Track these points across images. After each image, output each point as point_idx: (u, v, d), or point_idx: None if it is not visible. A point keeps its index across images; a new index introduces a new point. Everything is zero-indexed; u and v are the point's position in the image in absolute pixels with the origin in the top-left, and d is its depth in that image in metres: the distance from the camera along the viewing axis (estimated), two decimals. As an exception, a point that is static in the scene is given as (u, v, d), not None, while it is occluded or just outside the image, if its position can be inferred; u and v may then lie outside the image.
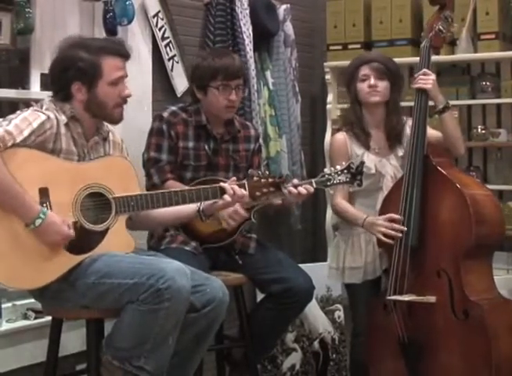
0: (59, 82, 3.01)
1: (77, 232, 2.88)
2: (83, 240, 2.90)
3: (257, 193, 3.14)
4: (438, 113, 3.55)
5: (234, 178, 3.22)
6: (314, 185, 3.27)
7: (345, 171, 3.28)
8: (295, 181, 3.28)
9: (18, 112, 2.91)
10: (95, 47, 2.99)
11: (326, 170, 3.31)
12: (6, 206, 2.77)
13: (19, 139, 2.79)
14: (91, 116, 3.01)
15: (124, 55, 3.05)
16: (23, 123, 2.82)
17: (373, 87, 3.58)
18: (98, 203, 2.95)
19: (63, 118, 2.95)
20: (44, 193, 2.83)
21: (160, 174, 3.49)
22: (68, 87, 2.98)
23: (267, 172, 3.19)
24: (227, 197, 3.09)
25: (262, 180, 3.15)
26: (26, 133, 2.81)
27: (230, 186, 3.10)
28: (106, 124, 3.12)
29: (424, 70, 3.51)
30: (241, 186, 3.13)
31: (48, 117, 2.90)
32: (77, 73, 2.95)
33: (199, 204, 3.15)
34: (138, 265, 2.88)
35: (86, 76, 2.95)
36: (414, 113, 3.50)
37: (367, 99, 3.61)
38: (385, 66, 3.61)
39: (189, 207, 3.16)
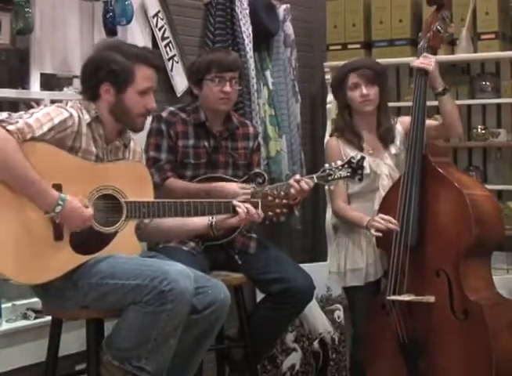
0: (90, 81, 3.01)
1: (86, 232, 2.87)
2: (91, 241, 2.90)
3: (270, 213, 3.15)
4: (438, 95, 3.56)
5: (248, 196, 3.20)
6: (315, 180, 3.28)
7: (346, 165, 3.29)
8: (297, 176, 3.29)
9: (41, 107, 2.93)
10: (131, 53, 2.99)
11: (327, 165, 3.32)
12: (25, 193, 2.76)
13: (38, 133, 2.79)
14: (115, 119, 3.01)
15: (158, 66, 3.06)
16: (44, 117, 2.82)
17: (365, 96, 3.58)
18: (109, 205, 2.94)
19: (87, 117, 2.95)
20: (57, 189, 2.82)
21: (160, 172, 3.49)
22: (97, 87, 2.98)
23: (282, 193, 3.18)
24: (241, 216, 3.07)
25: (276, 201, 3.15)
26: (45, 128, 2.81)
27: (245, 205, 3.09)
28: (129, 131, 3.12)
29: (424, 54, 3.51)
30: (254, 204, 3.12)
31: (71, 115, 2.90)
32: (109, 74, 2.96)
33: (210, 218, 3.13)
34: (142, 267, 2.88)
35: (117, 79, 2.96)
36: (412, 113, 3.50)
37: (361, 109, 3.63)
38: (373, 72, 3.62)
39: (201, 222, 3.15)
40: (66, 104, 2.96)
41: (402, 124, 3.70)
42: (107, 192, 2.93)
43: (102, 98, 2.99)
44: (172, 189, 3.42)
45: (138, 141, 3.22)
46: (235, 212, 3.08)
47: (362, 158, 3.33)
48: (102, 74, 2.97)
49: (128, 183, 2.97)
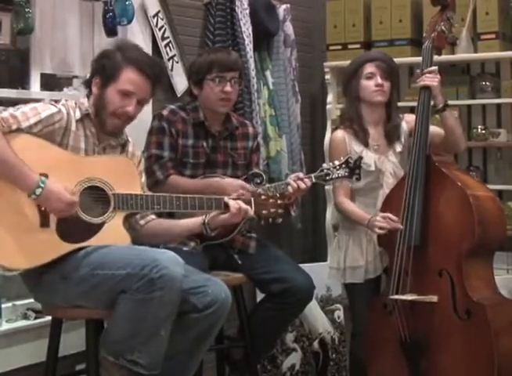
0: (91, 70, 3.10)
1: (73, 221, 2.88)
2: (78, 230, 2.90)
3: (264, 212, 3.15)
4: (438, 112, 3.56)
5: (241, 191, 3.21)
6: (313, 180, 3.31)
7: (343, 165, 3.33)
8: (300, 174, 3.32)
9: (30, 103, 2.95)
10: (129, 55, 3.02)
11: (325, 165, 3.35)
12: (6, 176, 2.79)
13: (24, 125, 2.83)
14: (95, 114, 3.03)
15: (148, 76, 3.04)
16: (31, 111, 2.87)
17: (380, 86, 3.59)
18: (97, 196, 2.96)
19: (78, 115, 2.99)
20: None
21: (162, 170, 3.50)
22: (92, 78, 3.06)
23: (277, 195, 3.18)
24: (233, 211, 3.07)
25: (270, 200, 3.15)
26: (32, 121, 2.85)
27: (236, 201, 3.09)
28: (125, 132, 3.15)
29: (435, 68, 3.52)
30: (247, 202, 3.12)
31: (59, 111, 2.93)
32: (100, 67, 3.03)
33: (204, 217, 3.14)
34: (132, 256, 2.88)
35: (105, 73, 3.01)
36: (417, 113, 3.51)
37: (372, 98, 3.62)
38: (388, 66, 3.64)
39: (195, 221, 3.16)
40: (59, 102, 3.00)
41: (407, 122, 3.70)
42: (94, 183, 2.94)
43: (92, 90, 3.05)
44: (175, 186, 3.41)
45: (137, 144, 3.21)
46: (226, 209, 3.08)
47: (360, 158, 3.36)
48: (96, 66, 3.06)
49: (116, 177, 2.98)
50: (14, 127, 2.81)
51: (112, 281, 2.84)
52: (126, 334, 2.86)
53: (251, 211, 3.10)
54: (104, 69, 3.01)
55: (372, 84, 3.61)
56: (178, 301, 2.89)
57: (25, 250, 2.82)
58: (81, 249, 2.91)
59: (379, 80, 3.60)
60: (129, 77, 3.00)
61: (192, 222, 3.17)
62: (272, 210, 3.15)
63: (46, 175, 2.84)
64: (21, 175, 2.79)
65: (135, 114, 3.06)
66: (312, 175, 3.33)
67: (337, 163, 3.33)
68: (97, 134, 3.04)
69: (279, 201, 3.16)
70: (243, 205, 3.09)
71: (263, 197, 3.15)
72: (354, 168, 3.32)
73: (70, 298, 2.95)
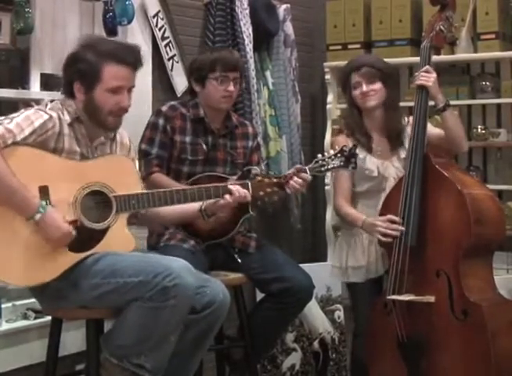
0: (64, 78, 3.02)
1: (78, 230, 2.87)
2: (83, 239, 2.89)
3: (261, 193, 3.15)
4: (438, 111, 3.55)
5: (235, 177, 3.22)
6: (308, 172, 3.24)
7: (339, 155, 3.26)
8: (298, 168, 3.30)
9: (21, 111, 2.91)
10: (102, 51, 2.94)
11: (320, 156, 3.29)
12: (6, 201, 2.77)
13: (19, 138, 2.79)
14: (89, 118, 2.99)
15: (131, 64, 2.98)
16: (24, 122, 2.82)
17: (364, 93, 3.59)
18: (98, 201, 2.94)
19: (67, 118, 2.94)
20: (44, 191, 2.82)
21: (146, 166, 3.50)
22: (71, 85, 2.98)
23: (270, 172, 3.19)
24: (228, 197, 3.08)
25: (266, 180, 3.16)
26: (27, 132, 2.81)
27: (233, 186, 3.10)
28: None
29: (427, 67, 3.51)
30: (244, 185, 3.13)
31: (51, 117, 2.89)
32: (77, 73, 2.95)
33: (201, 203, 3.15)
34: (143, 264, 2.88)
35: (85, 78, 2.94)
36: (414, 113, 3.50)
37: (363, 105, 3.62)
38: (374, 69, 3.61)
39: (192, 207, 3.16)
40: (46, 106, 2.95)
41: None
42: (95, 188, 2.93)
43: (76, 96, 2.98)
44: (156, 185, 3.39)
45: (125, 133, 3.18)
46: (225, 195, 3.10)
47: (355, 146, 3.32)
48: (71, 72, 2.97)
49: (115, 177, 2.96)
50: (10, 141, 2.77)
51: (123, 289, 2.84)
52: (134, 340, 2.86)
53: (249, 196, 3.11)
54: (82, 73, 2.92)
55: (358, 93, 3.60)
56: (189, 309, 2.90)
57: (36, 266, 2.81)
58: (88, 256, 2.91)
59: (364, 88, 3.58)
60: (112, 73, 2.93)
61: (190, 209, 3.16)
62: (268, 190, 3.15)
63: (46, 187, 2.82)
64: (23, 200, 2.77)
65: (129, 106, 3.01)
66: (307, 167, 3.25)
67: (331, 152, 3.27)
68: (88, 135, 3.00)
69: (274, 180, 3.17)
70: (241, 189, 3.10)
71: (259, 178, 3.15)
72: (349, 156, 3.26)
73: (77, 302, 2.94)
